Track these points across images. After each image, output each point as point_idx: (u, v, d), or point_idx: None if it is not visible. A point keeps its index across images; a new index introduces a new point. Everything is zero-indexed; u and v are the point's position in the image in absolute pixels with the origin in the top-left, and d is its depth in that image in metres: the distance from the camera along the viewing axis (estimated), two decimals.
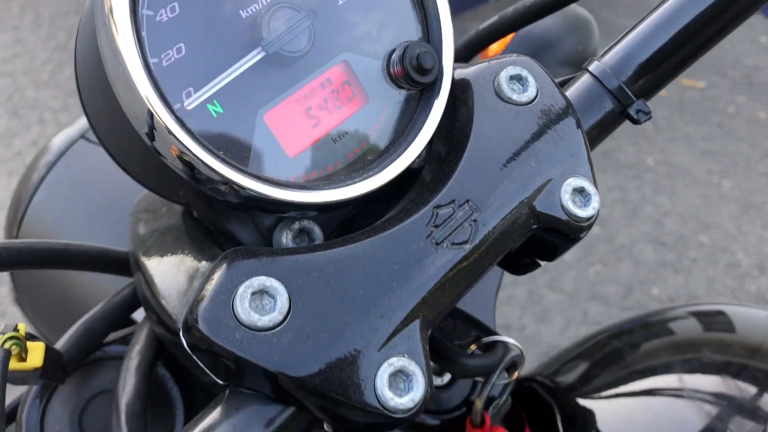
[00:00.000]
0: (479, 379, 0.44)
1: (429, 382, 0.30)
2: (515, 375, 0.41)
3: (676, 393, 0.44)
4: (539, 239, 0.36)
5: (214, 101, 0.31)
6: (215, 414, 0.29)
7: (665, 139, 3.15)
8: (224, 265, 0.29)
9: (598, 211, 0.36)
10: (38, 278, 0.61)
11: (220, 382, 0.30)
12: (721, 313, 0.52)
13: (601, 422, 0.44)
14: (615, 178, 2.90)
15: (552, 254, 0.38)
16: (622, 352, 0.51)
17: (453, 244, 0.32)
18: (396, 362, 0.29)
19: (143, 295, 0.38)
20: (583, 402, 0.47)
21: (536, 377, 0.54)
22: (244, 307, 0.28)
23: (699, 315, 0.53)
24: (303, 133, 0.34)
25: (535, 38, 0.57)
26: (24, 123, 2.80)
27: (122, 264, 0.44)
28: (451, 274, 0.31)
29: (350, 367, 0.29)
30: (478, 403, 0.40)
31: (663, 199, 2.82)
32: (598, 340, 0.54)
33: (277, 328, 0.29)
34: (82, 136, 0.59)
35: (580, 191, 0.35)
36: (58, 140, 0.64)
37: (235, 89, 0.32)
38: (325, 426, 0.32)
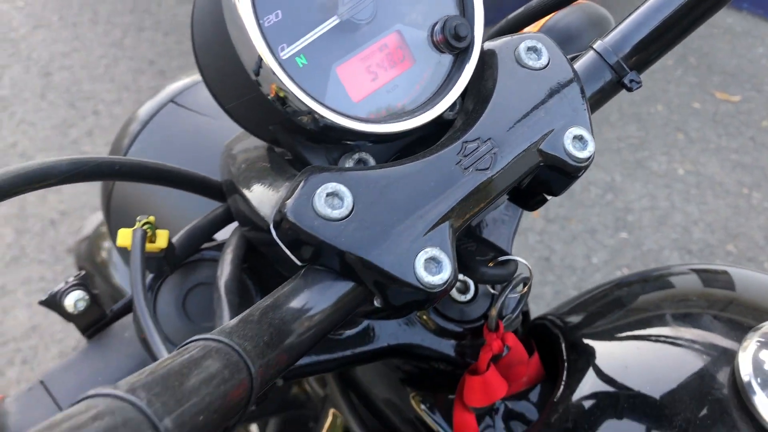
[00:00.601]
0: (494, 291, 0.54)
1: (454, 268, 0.39)
2: (525, 290, 0.51)
3: (663, 337, 0.53)
4: (546, 176, 0.45)
5: (301, 55, 0.41)
6: (294, 284, 0.39)
7: (697, 151, 3.19)
8: (305, 176, 0.39)
9: (593, 154, 0.45)
10: (131, 212, 0.72)
11: (299, 263, 0.40)
12: (721, 272, 0.61)
13: (599, 357, 0.52)
14: (646, 186, 2.96)
15: (557, 190, 0.47)
16: (622, 300, 0.60)
17: (477, 169, 0.41)
18: (430, 251, 0.39)
19: (238, 210, 0.48)
20: (586, 340, 0.55)
21: (547, 316, 0.63)
22: (320, 203, 0.38)
23: (699, 272, 0.62)
24: (364, 84, 0.44)
25: (559, 31, 0.66)
26: (80, 114, 2.95)
27: (215, 190, 0.55)
28: (474, 192, 0.41)
29: (396, 251, 0.39)
30: (494, 311, 0.49)
31: (692, 208, 2.87)
32: (603, 289, 0.63)
33: (344, 220, 0.38)
34: (171, 101, 0.70)
35: (579, 138, 0.44)
36: (149, 104, 0.75)
37: (316, 47, 0.42)
38: (375, 301, 0.41)
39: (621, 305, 0.58)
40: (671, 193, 2.94)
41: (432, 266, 0.39)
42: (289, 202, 0.38)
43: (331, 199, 0.39)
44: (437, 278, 0.38)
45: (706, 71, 3.72)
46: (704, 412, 0.45)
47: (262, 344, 0.33)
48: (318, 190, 0.39)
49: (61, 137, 2.84)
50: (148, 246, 0.45)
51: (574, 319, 0.59)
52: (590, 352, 0.53)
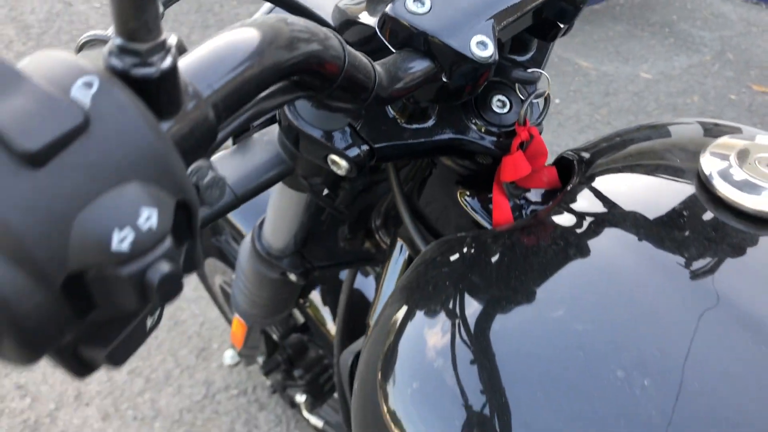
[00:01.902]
0: (522, 98, 0.74)
1: (495, 49, 0.59)
2: (546, 93, 0.70)
3: (661, 169, 0.70)
4: (558, 7, 0.65)
5: None
6: (394, 56, 0.59)
7: None
8: None
9: None
10: None
11: (393, 50, 0.61)
12: (733, 128, 0.69)
13: (600, 182, 0.70)
14: None
15: (567, 19, 0.67)
16: (633, 140, 0.76)
17: None
18: (480, 37, 0.59)
19: (353, 36, 0.68)
20: (596, 169, 0.74)
21: (563, 153, 0.81)
22: (410, 3, 0.58)
23: (705, 124, 0.71)
24: None
25: None
26: None
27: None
28: (510, 5, 0.62)
29: (458, 36, 0.57)
30: (522, 112, 0.69)
31: None
32: (617, 132, 0.79)
33: (426, 14, 0.58)
34: None
35: None
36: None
37: None
38: (443, 77, 0.62)
39: (629, 142, 0.74)
40: None
41: (481, 46, 0.59)
42: (389, 6, 0.59)
43: (417, 2, 0.60)
44: (485, 53, 0.58)
45: (743, 66, 3.84)
46: (681, 208, 0.62)
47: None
48: None
49: None
50: None
51: (587, 153, 0.76)
52: (596, 182, 0.69)
